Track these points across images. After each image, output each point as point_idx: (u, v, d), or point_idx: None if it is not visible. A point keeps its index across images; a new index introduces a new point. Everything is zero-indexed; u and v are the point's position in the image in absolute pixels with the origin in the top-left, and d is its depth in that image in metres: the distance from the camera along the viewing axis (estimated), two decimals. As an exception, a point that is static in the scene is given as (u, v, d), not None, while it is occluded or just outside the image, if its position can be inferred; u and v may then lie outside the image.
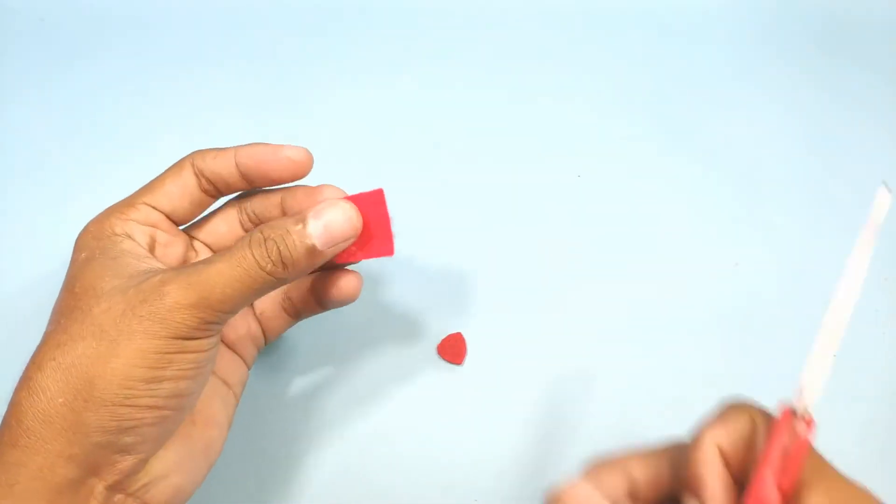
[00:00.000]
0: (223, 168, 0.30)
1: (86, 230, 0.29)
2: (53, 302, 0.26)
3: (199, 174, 0.30)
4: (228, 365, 0.32)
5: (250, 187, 0.31)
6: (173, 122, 0.51)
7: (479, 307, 0.42)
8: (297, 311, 0.34)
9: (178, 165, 0.31)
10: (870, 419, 0.39)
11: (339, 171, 0.49)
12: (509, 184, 0.48)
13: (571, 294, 0.43)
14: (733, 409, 0.25)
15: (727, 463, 0.24)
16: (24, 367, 0.25)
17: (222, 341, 0.32)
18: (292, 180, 0.30)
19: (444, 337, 0.41)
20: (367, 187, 0.30)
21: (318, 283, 0.32)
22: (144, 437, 0.25)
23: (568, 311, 0.43)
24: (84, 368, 0.24)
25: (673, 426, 0.39)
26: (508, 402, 0.39)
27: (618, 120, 0.52)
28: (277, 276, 0.26)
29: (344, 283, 0.31)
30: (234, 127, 0.50)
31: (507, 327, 0.42)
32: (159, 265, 0.28)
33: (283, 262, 0.26)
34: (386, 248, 0.29)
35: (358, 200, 0.29)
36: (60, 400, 0.24)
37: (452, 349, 0.40)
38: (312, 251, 0.27)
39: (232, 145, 0.31)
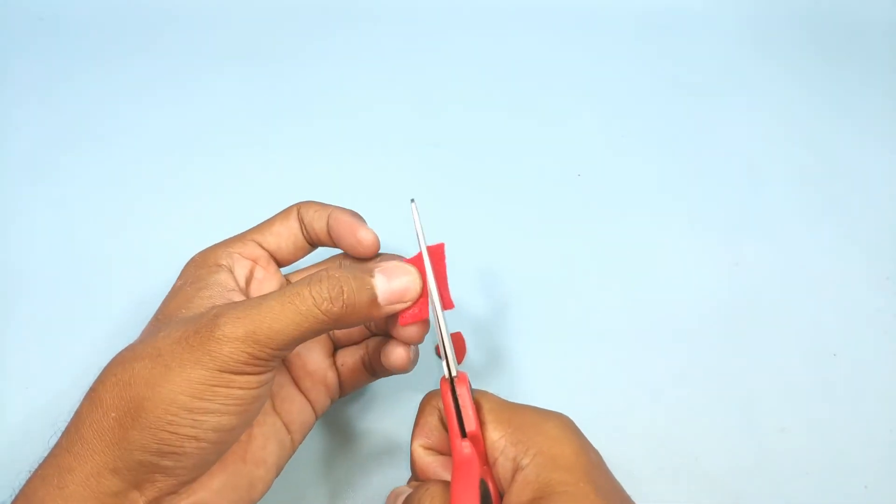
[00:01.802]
0: (318, 222, 0.32)
1: (192, 259, 0.31)
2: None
3: (302, 222, 0.32)
4: (295, 409, 0.32)
5: (331, 246, 0.33)
6: (173, 119, 0.51)
7: (479, 307, 0.42)
8: (374, 370, 0.34)
9: (287, 211, 0.33)
10: (870, 419, 0.39)
11: (342, 172, 0.49)
12: (509, 183, 0.48)
13: (571, 293, 0.43)
14: (420, 410, 0.30)
15: (436, 449, 0.30)
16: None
17: (295, 384, 0.32)
18: (355, 256, 0.32)
19: (443, 337, 0.41)
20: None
21: (378, 347, 0.33)
22: (183, 464, 0.25)
23: (567, 310, 0.43)
24: (137, 388, 0.25)
25: (673, 426, 0.39)
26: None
27: (618, 119, 0.52)
28: (332, 315, 0.26)
29: (394, 355, 0.31)
30: (233, 125, 0.50)
31: (507, 327, 0.42)
32: (236, 299, 0.28)
33: (343, 303, 0.27)
34: (444, 302, 0.30)
35: (420, 256, 0.30)
36: (113, 414, 0.25)
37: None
38: (373, 302, 0.28)
39: (330, 203, 0.33)
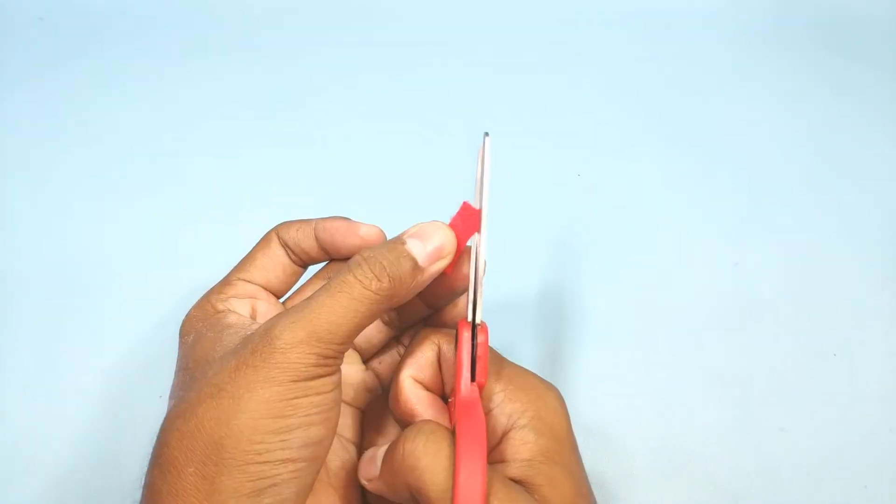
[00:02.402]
0: (304, 240, 0.31)
1: (189, 316, 0.29)
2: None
3: (286, 245, 0.31)
4: (351, 422, 0.31)
5: (330, 259, 0.32)
6: (172, 119, 0.51)
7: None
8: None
9: (266, 239, 0.31)
10: (870, 419, 0.39)
11: (339, 168, 0.49)
12: (509, 183, 0.48)
13: (570, 293, 0.43)
14: (416, 342, 0.29)
15: (426, 386, 0.28)
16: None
17: (343, 401, 0.31)
18: None
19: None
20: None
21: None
22: (284, 496, 0.23)
23: (567, 309, 0.43)
24: (208, 431, 0.23)
25: (673, 425, 0.39)
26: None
27: (618, 119, 0.52)
28: (384, 293, 0.25)
29: (464, 266, 0.30)
30: (234, 123, 0.50)
31: (507, 327, 0.42)
32: None
33: (389, 277, 0.26)
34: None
35: (456, 218, 0.29)
36: (191, 470, 0.22)
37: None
38: (416, 267, 0.27)
39: (313, 217, 0.31)
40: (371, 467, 0.28)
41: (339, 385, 0.25)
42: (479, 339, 0.27)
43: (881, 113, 0.52)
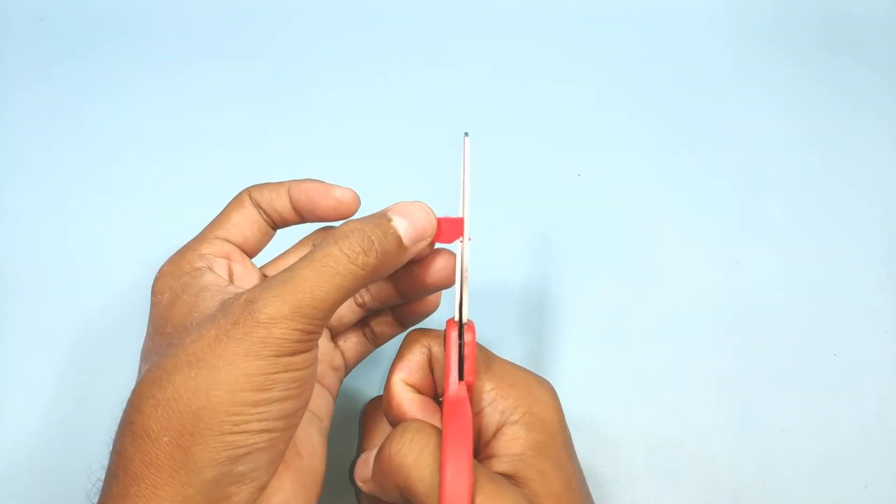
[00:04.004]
0: (277, 201, 0.30)
1: (162, 272, 0.29)
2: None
3: (258, 206, 0.31)
4: (318, 397, 0.31)
5: (302, 222, 0.32)
6: (172, 119, 0.51)
7: (478, 306, 0.42)
8: (376, 338, 0.34)
9: (238, 199, 0.31)
10: (870, 419, 0.39)
11: (337, 166, 0.49)
12: (509, 183, 0.48)
13: (570, 293, 0.43)
14: (405, 345, 0.30)
15: (417, 388, 0.29)
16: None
17: None
18: (338, 220, 0.30)
19: (443, 336, 0.41)
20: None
21: (403, 286, 0.32)
22: (257, 464, 0.24)
23: (566, 309, 0.43)
24: (186, 401, 0.22)
25: (673, 425, 0.39)
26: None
27: (618, 119, 0.52)
28: (370, 268, 0.25)
29: (439, 267, 0.30)
30: (233, 122, 0.50)
31: (507, 326, 0.42)
32: (242, 289, 0.27)
33: (376, 251, 0.25)
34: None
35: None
36: (166, 439, 0.22)
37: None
38: (400, 245, 0.27)
39: (287, 179, 0.31)
40: (365, 469, 0.28)
41: (317, 359, 0.26)
42: (467, 338, 0.27)
43: (882, 113, 0.52)
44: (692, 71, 0.55)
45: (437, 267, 0.30)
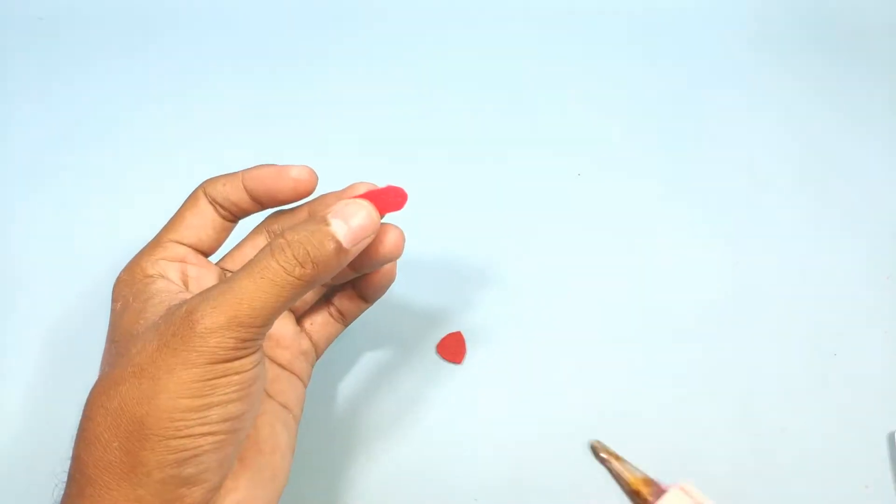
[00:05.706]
0: (233, 193, 0.30)
1: (119, 279, 0.29)
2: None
3: (213, 202, 0.31)
4: (286, 387, 0.31)
5: (262, 209, 0.31)
6: (172, 119, 0.51)
7: (478, 306, 0.42)
8: (343, 316, 0.34)
9: (193, 197, 0.31)
10: (870, 419, 0.39)
11: (336, 166, 0.49)
12: (509, 183, 0.48)
13: (570, 293, 0.43)
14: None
15: None
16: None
17: (277, 364, 0.32)
18: (299, 199, 0.30)
19: (443, 336, 0.41)
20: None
21: (360, 267, 0.31)
22: (206, 466, 0.25)
23: (567, 309, 0.43)
24: (131, 410, 0.24)
25: (673, 425, 0.39)
26: (508, 400, 0.39)
27: (618, 119, 0.52)
28: (307, 279, 0.26)
29: (389, 240, 0.30)
30: (233, 122, 0.50)
31: (507, 326, 0.42)
32: (191, 295, 0.27)
33: (313, 263, 0.26)
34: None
35: (380, 195, 0.29)
36: (115, 444, 0.24)
37: (452, 348, 0.40)
38: (339, 249, 0.27)
39: (240, 168, 0.31)
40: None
41: (259, 361, 0.26)
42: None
43: (880, 113, 0.53)
44: (692, 73, 0.55)
45: (383, 241, 0.30)
